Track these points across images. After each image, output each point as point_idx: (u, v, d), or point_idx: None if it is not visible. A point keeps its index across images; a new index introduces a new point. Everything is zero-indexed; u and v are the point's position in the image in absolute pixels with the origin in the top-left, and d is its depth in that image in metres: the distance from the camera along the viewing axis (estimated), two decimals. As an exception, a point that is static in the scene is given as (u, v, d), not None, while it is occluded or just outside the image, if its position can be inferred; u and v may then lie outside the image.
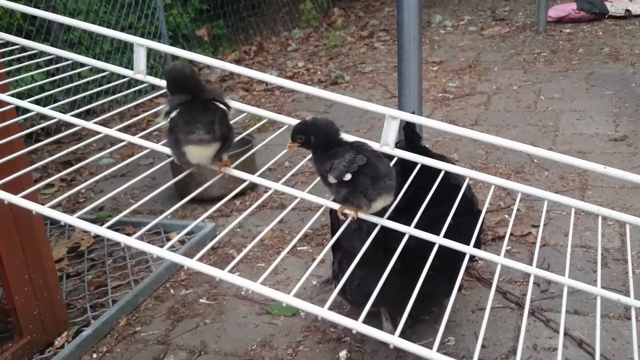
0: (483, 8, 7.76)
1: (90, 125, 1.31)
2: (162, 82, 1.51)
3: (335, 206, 1.24)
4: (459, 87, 4.70)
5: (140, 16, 5.53)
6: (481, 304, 2.13)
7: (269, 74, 5.25)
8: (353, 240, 1.55)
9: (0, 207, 1.81)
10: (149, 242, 2.75)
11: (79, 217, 1.08)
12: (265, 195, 1.43)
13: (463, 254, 1.18)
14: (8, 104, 1.30)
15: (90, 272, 2.55)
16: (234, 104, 1.52)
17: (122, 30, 5.37)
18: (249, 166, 3.18)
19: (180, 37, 6.19)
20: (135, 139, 1.33)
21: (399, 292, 1.36)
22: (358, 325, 0.93)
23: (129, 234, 2.99)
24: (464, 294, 2.19)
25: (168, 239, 2.78)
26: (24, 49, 1.58)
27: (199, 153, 1.19)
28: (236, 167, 1.35)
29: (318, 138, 1.23)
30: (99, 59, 4.96)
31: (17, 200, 1.03)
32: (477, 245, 1.56)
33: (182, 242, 2.75)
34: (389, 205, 1.24)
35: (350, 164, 1.17)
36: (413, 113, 1.49)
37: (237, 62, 6.17)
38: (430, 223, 1.23)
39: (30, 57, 1.58)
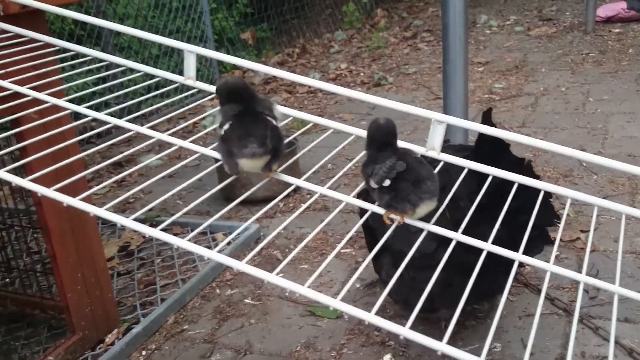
0: (529, 8, 7.62)
1: (143, 130, 1.35)
2: (211, 88, 1.54)
3: (381, 210, 1.25)
4: (506, 88, 4.63)
5: (187, 20, 5.64)
6: (528, 310, 2.10)
7: (311, 76, 5.29)
8: (411, 243, 1.53)
9: (56, 208, 1.88)
10: (195, 242, 2.80)
11: (133, 219, 1.11)
12: (311, 200, 1.44)
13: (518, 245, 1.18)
14: (65, 109, 1.35)
15: (140, 270, 2.62)
16: (278, 109, 1.55)
17: (170, 33, 5.49)
18: (293, 169, 3.20)
19: (225, 40, 6.28)
20: (187, 144, 1.36)
21: (458, 290, 1.36)
22: (405, 331, 0.93)
23: (176, 234, 3.05)
24: (511, 300, 2.16)
25: (214, 239, 2.83)
26: (76, 54, 1.64)
27: (251, 165, 1.22)
28: (280, 170, 1.37)
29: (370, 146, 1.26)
30: (147, 63, 5.08)
31: (76, 203, 1.07)
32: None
33: (228, 243, 2.80)
34: (435, 210, 1.24)
35: (390, 170, 1.18)
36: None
37: (280, 64, 6.23)
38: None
39: (83, 62, 1.64)
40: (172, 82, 1.59)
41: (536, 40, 6.00)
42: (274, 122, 1.23)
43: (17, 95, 1.38)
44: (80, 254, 2.01)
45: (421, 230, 1.24)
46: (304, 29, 7.27)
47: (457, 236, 1.21)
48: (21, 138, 1.49)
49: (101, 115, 1.33)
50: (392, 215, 1.21)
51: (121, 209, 3.32)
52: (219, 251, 1.10)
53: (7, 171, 1.13)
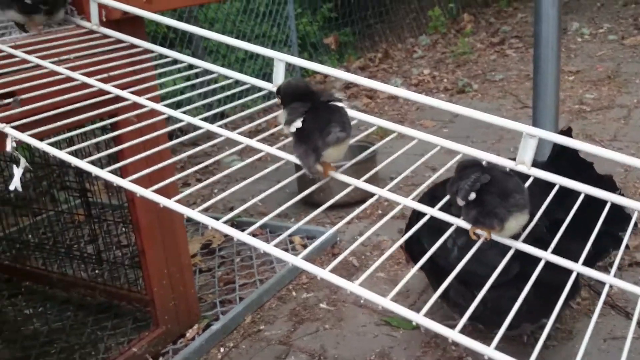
0: (624, 16, 7.24)
1: (233, 135, 1.39)
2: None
3: (466, 226, 1.22)
4: (597, 99, 4.42)
5: (273, 25, 5.75)
6: (614, 332, 2.00)
7: (392, 82, 5.24)
8: (480, 260, 1.51)
9: (147, 206, 1.97)
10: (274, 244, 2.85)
11: (223, 222, 1.15)
12: (395, 211, 1.44)
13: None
14: (162, 113, 1.41)
15: (220, 268, 2.70)
16: (356, 114, 1.55)
17: (255, 37, 5.62)
18: (372, 175, 3.20)
19: (308, 44, 6.35)
20: (273, 150, 1.39)
21: (540, 304, 1.33)
22: (490, 351, 0.91)
23: (255, 235, 3.11)
24: (597, 320, 2.06)
25: (291, 242, 2.87)
26: (164, 57, 1.70)
27: (336, 153, 1.23)
28: (356, 174, 1.38)
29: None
30: (234, 66, 5.19)
31: (172, 204, 1.12)
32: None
33: (303, 245, 2.83)
34: (527, 225, 1.20)
35: (474, 183, 1.15)
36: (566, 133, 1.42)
37: (362, 69, 6.23)
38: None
39: (174, 66, 1.70)
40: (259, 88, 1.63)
41: (630, 50, 5.70)
42: (344, 107, 1.26)
43: (116, 98, 1.45)
44: (167, 250, 2.10)
45: (490, 245, 1.21)
46: (387, 34, 7.24)
47: (547, 256, 1.17)
48: (119, 140, 1.58)
49: (195, 120, 1.39)
50: (479, 231, 1.19)
51: (205, 208, 3.43)
52: (294, 253, 1.11)
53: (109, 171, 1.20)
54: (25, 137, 1.14)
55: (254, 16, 5.59)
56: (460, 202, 1.17)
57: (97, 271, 2.65)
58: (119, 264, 2.53)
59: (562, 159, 1.77)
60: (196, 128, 1.43)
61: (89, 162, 1.16)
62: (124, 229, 2.94)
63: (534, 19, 2.43)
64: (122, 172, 1.56)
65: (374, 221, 3.02)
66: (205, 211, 1.18)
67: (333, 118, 1.21)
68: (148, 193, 1.16)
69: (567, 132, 1.78)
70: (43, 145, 1.14)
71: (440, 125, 4.24)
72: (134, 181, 1.19)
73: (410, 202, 1.31)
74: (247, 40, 5.56)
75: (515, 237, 1.20)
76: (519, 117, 4.21)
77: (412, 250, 2.00)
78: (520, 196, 1.17)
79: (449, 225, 1.35)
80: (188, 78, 2.00)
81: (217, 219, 1.17)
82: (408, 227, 2.09)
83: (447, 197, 1.31)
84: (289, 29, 5.88)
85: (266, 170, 1.46)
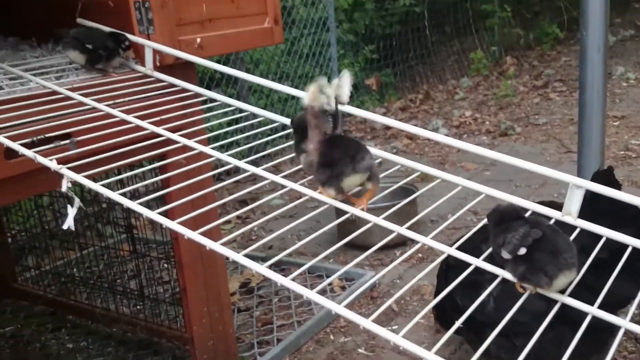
0: (673, 59, 7.14)
1: (278, 179, 1.41)
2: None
3: (512, 278, 1.20)
4: (644, 144, 4.33)
5: (315, 65, 5.86)
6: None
7: (433, 123, 5.24)
8: (524, 307, 1.47)
9: (190, 245, 2.00)
10: (311, 285, 2.85)
11: (247, 255, 1.17)
12: (439, 259, 1.43)
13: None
14: (210, 156, 1.44)
15: (259, 308, 2.70)
16: (389, 156, 1.56)
17: (298, 78, 5.72)
18: (411, 216, 3.18)
19: (353, 86, 6.42)
20: (316, 194, 1.40)
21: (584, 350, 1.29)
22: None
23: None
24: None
25: (330, 283, 2.86)
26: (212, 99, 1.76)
27: (355, 180, 1.28)
28: (397, 217, 1.38)
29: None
30: (275, 105, 5.28)
31: (218, 247, 1.14)
32: None
33: (342, 287, 2.82)
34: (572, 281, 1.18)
35: (524, 237, 1.12)
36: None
37: (403, 109, 6.26)
38: None
39: (223, 110, 1.75)
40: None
41: (679, 94, 5.59)
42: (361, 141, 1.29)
43: (167, 140, 1.50)
44: (208, 288, 2.12)
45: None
46: (428, 75, 7.28)
47: (594, 311, 1.14)
48: (167, 181, 1.63)
49: (242, 164, 1.42)
50: (525, 285, 1.17)
51: (244, 246, 3.46)
52: (333, 295, 1.11)
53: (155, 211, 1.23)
54: (80, 178, 1.18)
55: (297, 57, 5.70)
56: (507, 255, 1.15)
57: (138, 307, 2.69)
58: (160, 301, 2.56)
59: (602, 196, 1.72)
60: (239, 169, 1.46)
61: (140, 203, 1.19)
62: (166, 265, 2.99)
63: (578, 64, 2.42)
64: (169, 212, 1.60)
65: (414, 265, 3.00)
66: (243, 249, 1.20)
67: (352, 148, 1.27)
68: (195, 235, 1.18)
69: (608, 172, 1.73)
70: (97, 187, 1.18)
71: (482, 168, 4.21)
72: (181, 222, 1.21)
73: (455, 252, 1.30)
74: (290, 80, 5.66)
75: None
76: (562, 161, 4.14)
77: (443, 306, 1.89)
78: (570, 255, 1.14)
79: (482, 276, 1.33)
80: (235, 120, 2.04)
81: (256, 257, 1.19)
82: (439, 279, 2.03)
83: (487, 249, 1.29)
84: (331, 70, 5.98)
85: (308, 216, 1.46)
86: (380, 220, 1.35)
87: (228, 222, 3.77)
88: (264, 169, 1.46)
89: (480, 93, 6.59)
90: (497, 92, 6.26)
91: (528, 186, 3.79)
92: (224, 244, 1.17)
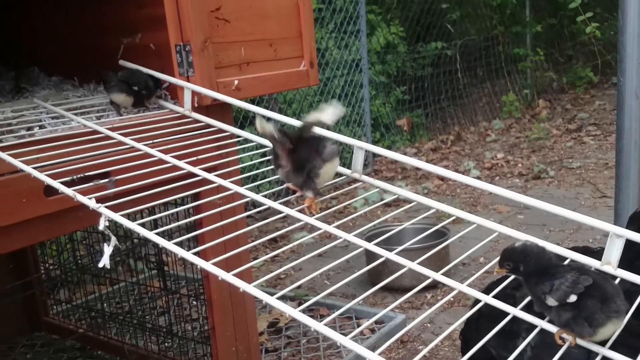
0: None
1: (312, 220, 1.41)
2: (374, 181, 1.60)
3: (552, 329, 1.17)
4: (683, 190, 4.23)
5: (347, 105, 5.91)
6: None
7: (465, 165, 5.19)
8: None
9: (221, 284, 2.00)
10: (340, 326, 2.82)
11: (278, 298, 1.16)
12: (474, 310, 1.40)
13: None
14: (244, 196, 1.45)
15: (287, 349, 2.68)
16: (433, 203, 1.55)
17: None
18: (443, 259, 3.14)
19: (380, 125, 6.46)
20: (350, 237, 1.40)
21: None
22: None
23: (322, 315, 3.07)
24: None
25: (359, 325, 2.82)
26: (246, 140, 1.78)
27: (332, 168, 1.37)
28: (429, 260, 1.36)
29: (527, 266, 1.17)
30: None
31: (252, 290, 1.13)
32: None
33: (372, 330, 2.78)
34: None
35: (575, 284, 1.08)
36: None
37: (434, 150, 6.26)
38: None
39: (258, 151, 1.77)
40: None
41: None
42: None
43: (201, 180, 1.52)
44: (237, 328, 2.11)
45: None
46: (460, 116, 7.28)
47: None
48: (200, 220, 1.64)
49: (276, 205, 1.42)
50: (564, 335, 1.13)
51: (273, 284, 3.45)
52: (362, 338, 1.09)
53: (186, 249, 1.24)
54: (118, 217, 1.20)
55: (329, 97, 5.77)
56: (553, 302, 1.11)
57: (167, 344, 2.68)
58: (188, 339, 2.55)
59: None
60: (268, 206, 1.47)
61: (176, 243, 1.21)
62: (194, 302, 2.99)
63: (615, 110, 2.40)
64: (202, 252, 1.61)
65: (445, 308, 2.95)
66: (275, 289, 1.19)
67: (321, 140, 1.37)
68: (229, 277, 1.18)
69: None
70: (134, 226, 1.20)
71: (515, 211, 4.15)
72: (214, 263, 1.22)
73: (490, 300, 1.27)
74: (322, 120, 5.70)
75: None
76: (597, 206, 4.07)
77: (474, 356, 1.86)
78: (621, 302, 1.10)
79: (518, 325, 1.29)
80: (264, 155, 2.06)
81: (284, 297, 1.18)
82: (468, 326, 1.97)
83: (520, 295, 1.26)
84: (362, 111, 6.02)
85: (340, 260, 1.46)
86: (415, 265, 1.33)
87: (256, 257, 3.77)
88: (297, 210, 1.46)
89: (513, 135, 6.55)
90: (530, 135, 6.21)
91: (562, 231, 3.72)
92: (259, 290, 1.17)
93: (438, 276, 1.33)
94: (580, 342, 1.13)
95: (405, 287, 2.92)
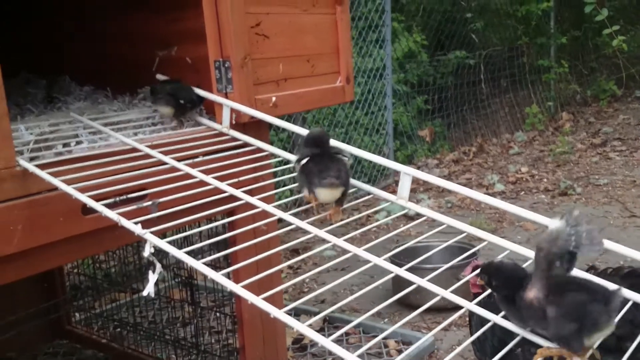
0: None
1: (340, 242, 1.38)
2: (420, 209, 1.55)
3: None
4: None
5: (367, 113, 5.85)
6: None
7: (489, 178, 5.10)
8: None
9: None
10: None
11: (299, 309, 1.12)
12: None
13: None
14: (273, 215, 1.42)
15: (312, 368, 2.63)
16: (459, 224, 1.50)
17: (349, 124, 5.71)
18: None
19: (402, 134, 6.39)
20: (360, 251, 1.35)
21: None
22: None
23: (348, 334, 3.00)
24: None
25: (386, 345, 2.77)
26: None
27: (329, 195, 1.43)
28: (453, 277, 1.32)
29: (498, 282, 1.19)
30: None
31: (258, 302, 1.10)
32: None
33: (398, 350, 2.73)
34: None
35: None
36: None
37: (456, 162, 6.19)
38: None
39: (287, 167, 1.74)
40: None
41: None
42: (346, 160, 1.49)
43: (232, 198, 1.47)
44: (266, 347, 2.07)
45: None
46: (482, 128, 7.20)
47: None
48: (233, 239, 1.61)
49: (304, 224, 1.38)
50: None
51: (295, 298, 3.40)
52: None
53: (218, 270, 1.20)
54: (164, 244, 1.17)
55: (351, 106, 5.71)
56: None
57: (190, 357, 2.65)
58: (213, 354, 2.51)
59: None
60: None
61: (206, 262, 1.18)
62: (217, 313, 2.95)
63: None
64: (234, 272, 1.57)
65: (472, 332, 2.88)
66: (294, 301, 1.15)
67: (332, 166, 1.43)
68: (260, 302, 1.13)
69: None
70: (181, 255, 1.16)
71: (542, 229, 4.07)
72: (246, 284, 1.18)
73: (499, 320, 1.21)
74: (341, 127, 5.66)
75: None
76: (627, 226, 3.98)
77: None
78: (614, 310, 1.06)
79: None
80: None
81: (309, 312, 1.13)
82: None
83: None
84: (385, 120, 5.95)
85: (359, 269, 1.41)
86: (447, 294, 1.28)
87: (280, 271, 3.73)
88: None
89: (536, 149, 6.46)
90: (554, 149, 6.13)
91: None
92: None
93: (447, 294, 1.29)
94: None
95: (433, 307, 2.86)
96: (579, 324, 1.02)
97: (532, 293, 1.08)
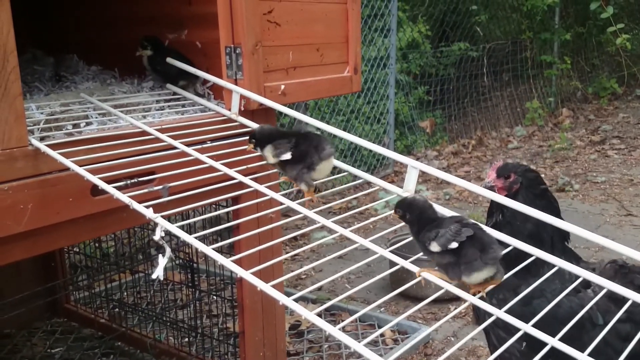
0: None
1: (330, 224, 1.38)
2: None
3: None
4: None
5: (368, 102, 5.84)
6: None
7: (487, 171, 5.15)
8: None
9: (254, 289, 1.98)
10: (362, 334, 2.79)
11: (298, 298, 1.14)
12: (492, 319, 1.37)
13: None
14: (281, 203, 1.42)
15: (308, 354, 2.66)
16: (442, 210, 1.52)
17: (351, 112, 5.71)
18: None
19: (402, 123, 6.39)
20: (368, 243, 1.36)
21: None
22: None
23: (343, 321, 3.03)
24: None
25: (382, 335, 2.79)
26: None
27: (328, 166, 1.44)
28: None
29: (412, 215, 1.30)
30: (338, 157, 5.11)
31: (268, 288, 1.11)
32: None
33: (395, 340, 2.76)
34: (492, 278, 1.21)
35: (457, 234, 1.19)
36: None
37: (455, 154, 6.20)
38: None
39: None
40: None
41: None
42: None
43: (239, 184, 1.48)
44: (266, 333, 2.09)
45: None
46: (482, 121, 7.21)
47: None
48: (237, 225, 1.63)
49: (311, 214, 1.39)
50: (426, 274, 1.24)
51: (293, 285, 3.42)
52: (386, 348, 1.06)
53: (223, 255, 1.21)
54: (174, 229, 1.18)
55: (355, 96, 5.70)
56: (436, 248, 1.21)
57: (188, 340, 2.67)
58: (211, 337, 2.54)
59: None
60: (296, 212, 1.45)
61: (215, 248, 1.19)
62: (214, 297, 2.97)
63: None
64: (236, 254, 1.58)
65: (469, 322, 2.91)
66: (295, 289, 1.17)
67: (323, 140, 1.44)
68: (269, 289, 1.14)
69: None
70: (191, 240, 1.17)
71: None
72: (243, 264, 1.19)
73: (502, 314, 1.23)
74: (343, 114, 5.66)
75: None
76: (623, 225, 4.01)
77: None
78: (495, 251, 1.21)
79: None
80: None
81: (307, 299, 1.15)
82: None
83: None
84: (387, 110, 5.95)
85: (360, 263, 1.43)
86: (451, 287, 1.29)
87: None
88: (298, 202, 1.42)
89: (535, 144, 6.48)
90: (553, 145, 6.15)
91: (587, 248, 3.67)
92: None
93: (450, 287, 1.30)
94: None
95: (429, 297, 2.89)
96: (456, 260, 1.20)
97: (431, 233, 1.24)
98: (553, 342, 1.14)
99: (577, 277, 1.38)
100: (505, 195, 1.61)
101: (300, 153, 1.44)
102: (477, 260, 1.20)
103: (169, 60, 1.90)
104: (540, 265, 1.48)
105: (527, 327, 1.24)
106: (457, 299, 3.12)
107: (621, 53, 7.65)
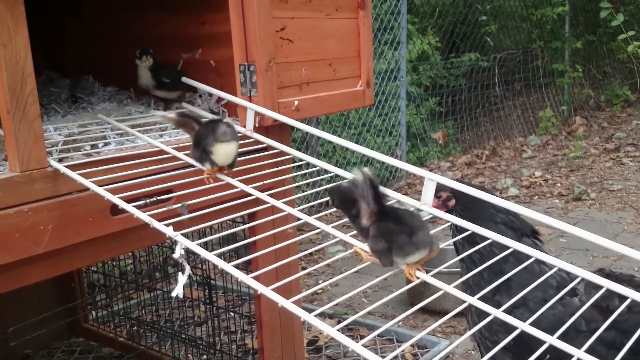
0: None
1: (348, 238, 1.38)
2: (444, 214, 1.55)
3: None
4: None
5: (379, 115, 5.85)
6: None
7: (502, 182, 5.10)
8: None
9: (272, 304, 1.98)
10: (381, 349, 2.78)
11: (313, 310, 1.13)
12: (515, 334, 1.35)
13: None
14: (298, 219, 1.43)
15: (327, 369, 2.65)
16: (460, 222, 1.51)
17: (362, 125, 5.71)
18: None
19: (414, 135, 6.38)
20: (364, 246, 1.36)
21: None
22: None
23: (362, 336, 3.03)
24: None
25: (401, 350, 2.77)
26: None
27: (227, 149, 1.45)
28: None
29: (338, 202, 1.34)
30: (344, 168, 5.20)
31: (289, 305, 1.11)
32: None
33: (414, 354, 2.74)
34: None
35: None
36: None
37: (469, 165, 6.18)
38: None
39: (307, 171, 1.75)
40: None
41: None
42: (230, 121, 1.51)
43: (256, 200, 1.49)
44: (285, 349, 2.08)
45: None
46: (495, 131, 7.19)
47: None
48: (255, 242, 1.63)
49: (329, 228, 1.39)
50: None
51: (310, 300, 3.42)
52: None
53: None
54: (194, 246, 1.18)
55: (366, 109, 5.71)
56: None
57: (206, 357, 2.67)
58: (230, 354, 2.53)
59: None
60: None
61: (234, 265, 1.19)
62: (232, 313, 2.97)
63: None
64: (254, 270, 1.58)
65: (488, 335, 2.88)
66: (312, 305, 1.16)
67: (222, 125, 1.46)
68: (291, 305, 1.14)
69: None
70: (212, 257, 1.18)
71: (557, 234, 4.06)
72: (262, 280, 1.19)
73: (527, 327, 1.21)
74: (354, 128, 5.66)
75: None
76: (641, 232, 3.98)
77: None
78: (425, 235, 1.25)
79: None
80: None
81: (323, 314, 1.14)
82: None
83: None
84: (398, 122, 5.95)
85: (378, 279, 1.42)
86: (451, 289, 1.28)
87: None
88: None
89: (549, 153, 6.45)
90: (568, 153, 6.11)
91: (606, 257, 3.63)
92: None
93: (474, 301, 1.28)
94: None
95: (447, 310, 2.86)
96: (388, 245, 1.24)
97: (365, 219, 1.28)
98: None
99: (563, 280, 1.37)
100: (447, 212, 1.59)
101: (199, 137, 1.48)
102: (409, 244, 1.24)
103: (184, 79, 1.93)
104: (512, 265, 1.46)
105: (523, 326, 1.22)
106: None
107: (633, 60, 7.61)
